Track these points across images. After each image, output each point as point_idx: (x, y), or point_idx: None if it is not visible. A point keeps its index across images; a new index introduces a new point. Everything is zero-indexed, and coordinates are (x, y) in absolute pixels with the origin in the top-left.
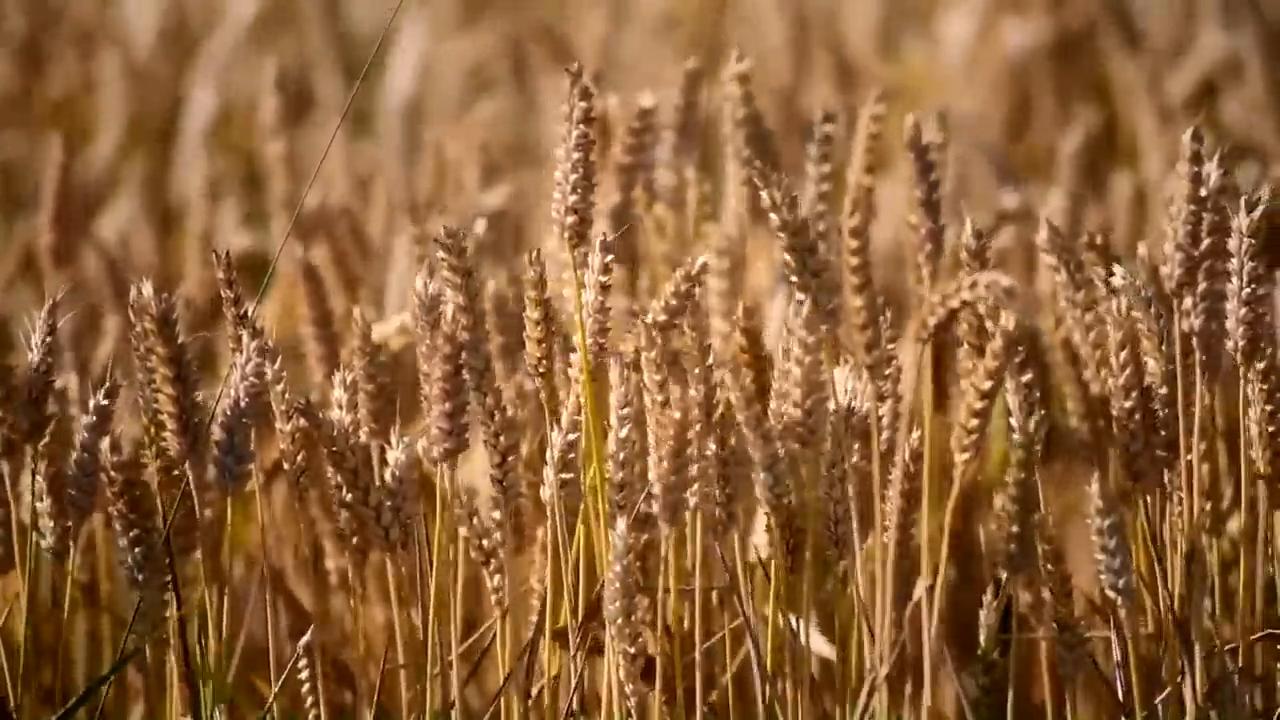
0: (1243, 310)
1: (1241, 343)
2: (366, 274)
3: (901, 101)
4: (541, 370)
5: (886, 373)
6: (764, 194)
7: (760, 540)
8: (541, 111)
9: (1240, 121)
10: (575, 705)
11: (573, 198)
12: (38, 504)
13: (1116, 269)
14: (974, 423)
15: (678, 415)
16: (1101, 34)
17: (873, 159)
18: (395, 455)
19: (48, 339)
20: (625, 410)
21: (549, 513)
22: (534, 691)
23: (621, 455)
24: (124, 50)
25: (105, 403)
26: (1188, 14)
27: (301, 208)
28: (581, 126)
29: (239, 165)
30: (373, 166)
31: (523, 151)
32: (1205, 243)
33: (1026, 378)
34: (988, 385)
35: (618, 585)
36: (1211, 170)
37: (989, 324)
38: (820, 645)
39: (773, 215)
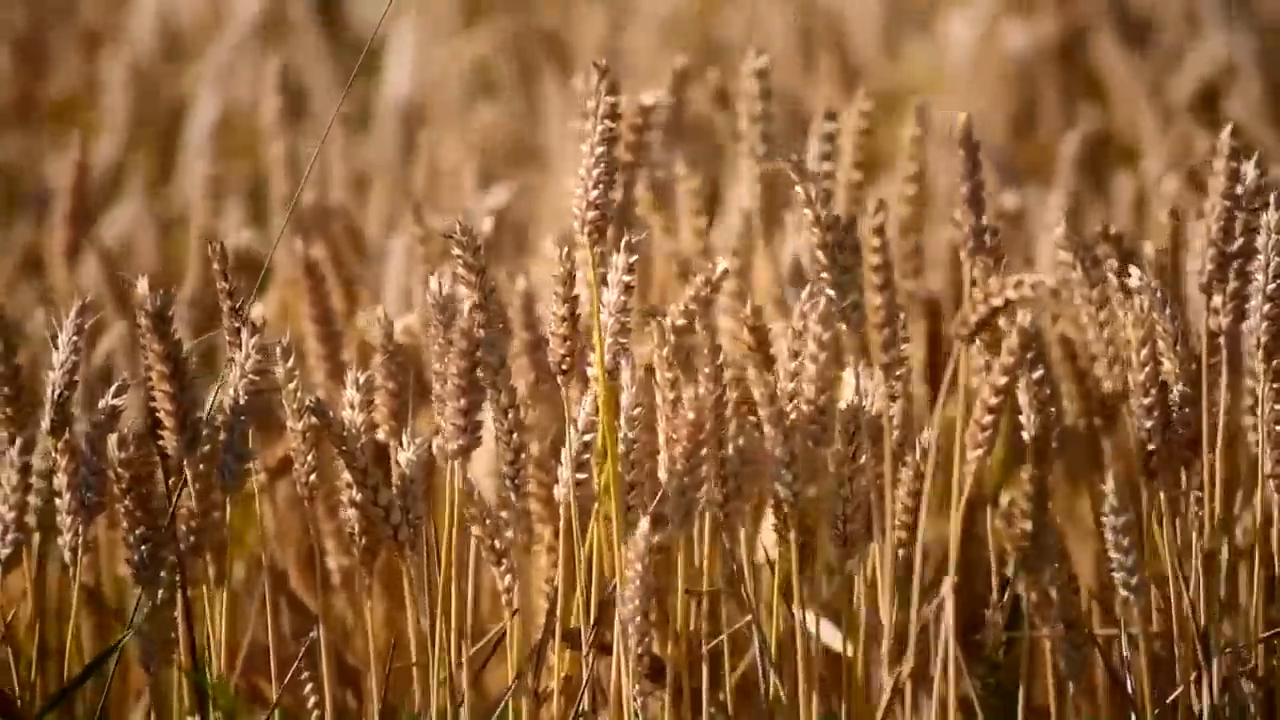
0: (1267, 306)
1: (1264, 339)
2: (364, 273)
3: (904, 102)
4: (565, 367)
5: (899, 373)
6: (799, 189)
7: (769, 539)
8: (541, 113)
9: (1245, 122)
10: (586, 705)
11: (594, 193)
12: (57, 500)
13: (1133, 270)
14: (989, 419)
15: (691, 415)
16: (1103, 35)
17: (861, 156)
18: (406, 455)
19: (75, 339)
20: (635, 410)
21: (563, 513)
22: (543, 691)
23: (631, 455)
24: (128, 52)
25: (115, 402)
26: (1190, 15)
27: (297, 207)
28: (606, 121)
29: (242, 166)
30: (370, 167)
31: (522, 153)
32: (1238, 241)
33: (1037, 375)
34: (1003, 381)
35: (637, 584)
36: (1250, 169)
37: (1004, 324)
38: (830, 636)
39: (805, 210)
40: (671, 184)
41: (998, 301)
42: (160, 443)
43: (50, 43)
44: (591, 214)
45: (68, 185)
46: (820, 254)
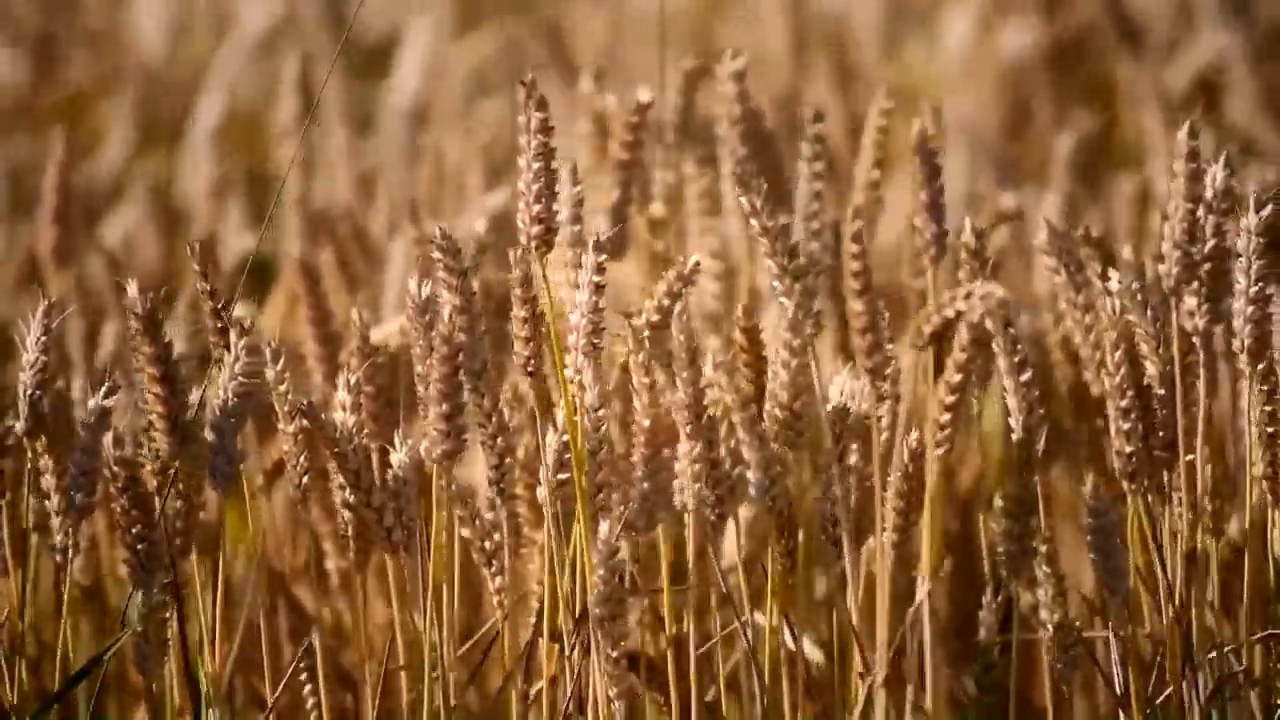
0: (1249, 309)
1: (1248, 341)
2: (367, 275)
3: (902, 102)
4: (530, 370)
5: (887, 373)
6: (742, 199)
7: (729, 545)
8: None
9: (1242, 122)
10: (572, 706)
11: (536, 207)
12: (46, 503)
13: (1113, 273)
14: (946, 417)
15: (647, 422)
16: (1100, 35)
17: (881, 155)
18: (399, 457)
19: (43, 338)
20: (600, 412)
21: (545, 515)
22: (532, 692)
23: (600, 457)
24: (134, 54)
25: (104, 402)
26: (1186, 14)
27: (300, 209)
28: (540, 136)
29: (245, 168)
30: (376, 168)
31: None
32: (1209, 243)
33: (1025, 377)
34: (956, 379)
35: (601, 588)
36: (1218, 171)
37: (989, 326)
38: (809, 650)
39: (751, 221)
40: (680, 183)
41: (949, 313)
42: (152, 444)
43: (58, 44)
44: (536, 228)
45: (53, 185)
46: (770, 263)
